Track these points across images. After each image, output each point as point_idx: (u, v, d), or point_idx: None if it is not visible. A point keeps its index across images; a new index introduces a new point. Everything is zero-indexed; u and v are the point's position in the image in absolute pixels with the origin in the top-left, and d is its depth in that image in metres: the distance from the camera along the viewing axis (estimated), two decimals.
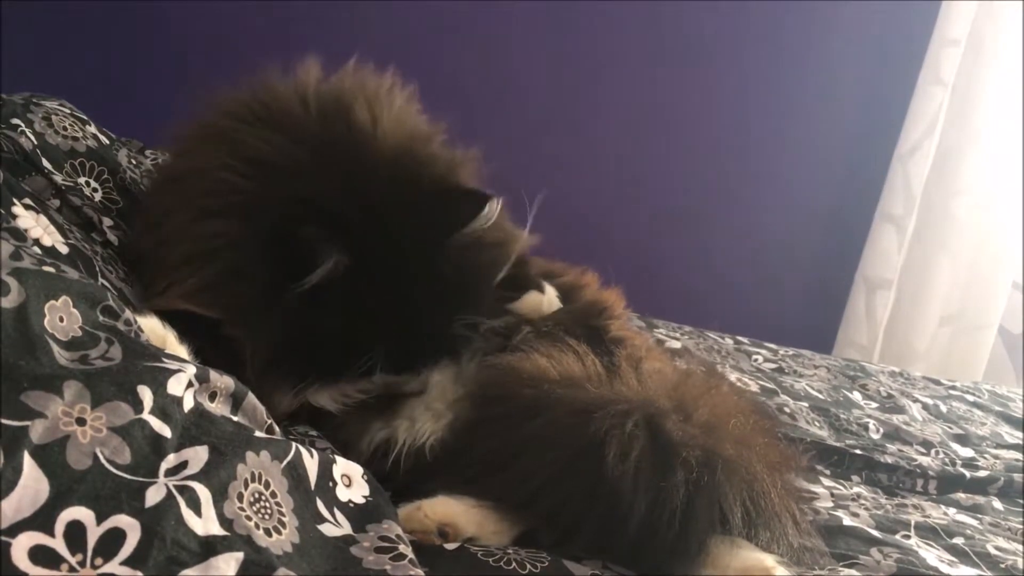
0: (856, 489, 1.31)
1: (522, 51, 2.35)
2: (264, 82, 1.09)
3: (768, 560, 0.85)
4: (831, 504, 1.20)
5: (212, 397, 0.71)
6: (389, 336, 0.97)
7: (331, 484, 0.75)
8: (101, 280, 0.91)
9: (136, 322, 0.76)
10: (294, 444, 0.73)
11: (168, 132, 1.14)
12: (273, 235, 0.91)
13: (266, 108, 1.04)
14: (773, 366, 1.87)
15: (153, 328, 0.81)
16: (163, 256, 0.97)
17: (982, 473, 1.44)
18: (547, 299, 1.16)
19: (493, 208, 1.01)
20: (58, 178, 1.08)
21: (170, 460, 0.63)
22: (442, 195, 1.01)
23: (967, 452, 1.55)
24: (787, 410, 1.55)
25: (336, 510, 0.74)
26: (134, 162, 1.29)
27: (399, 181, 1.00)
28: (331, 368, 0.98)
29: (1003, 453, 1.58)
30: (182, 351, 0.82)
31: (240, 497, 0.64)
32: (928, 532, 1.16)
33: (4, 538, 0.53)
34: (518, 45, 2.35)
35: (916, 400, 1.81)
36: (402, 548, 0.73)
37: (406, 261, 0.98)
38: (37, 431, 0.58)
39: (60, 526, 0.55)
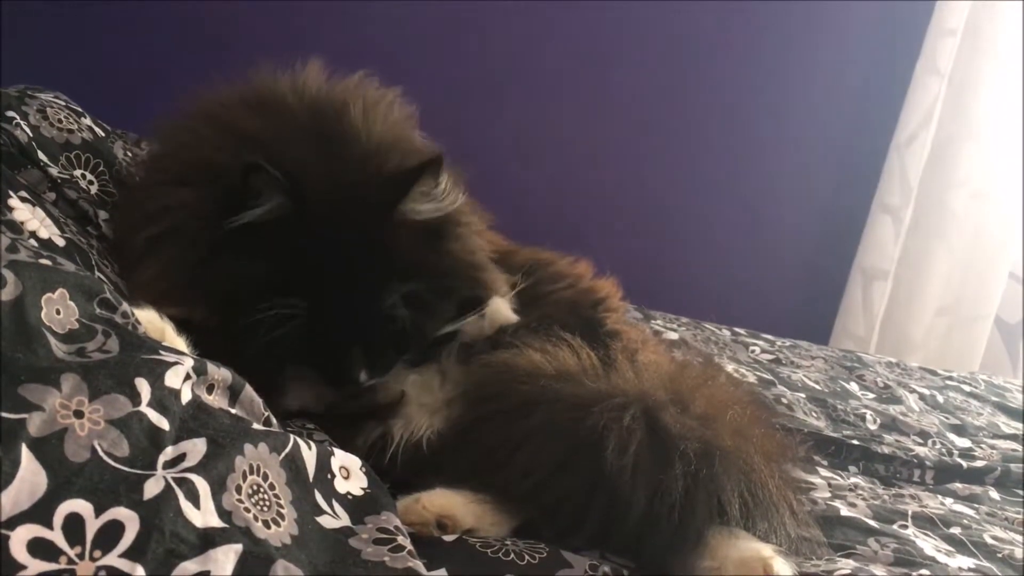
0: (853, 479, 1.31)
1: (523, 48, 2.35)
2: (261, 76, 1.09)
3: (766, 551, 0.85)
4: (828, 494, 1.21)
5: (210, 389, 0.71)
6: (315, 292, 0.93)
7: (329, 476, 0.75)
8: (97, 273, 0.91)
9: (133, 314, 0.75)
10: (292, 436, 0.73)
11: (155, 122, 1.14)
12: (226, 188, 0.92)
13: (257, 96, 1.04)
14: (770, 357, 1.88)
15: (151, 320, 0.81)
16: (131, 241, 0.97)
17: (979, 463, 1.44)
18: (488, 321, 1.11)
19: (440, 175, 0.99)
20: (54, 171, 1.08)
21: (168, 452, 0.63)
22: (398, 172, 1.00)
23: (964, 442, 1.55)
24: (784, 401, 1.55)
25: (334, 502, 0.74)
26: (130, 154, 1.29)
27: (368, 168, 0.99)
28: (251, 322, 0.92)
29: (1000, 443, 1.58)
30: (180, 343, 0.82)
31: (239, 489, 0.64)
32: (925, 522, 1.16)
33: (3, 531, 0.53)
34: (519, 43, 2.34)
35: (913, 391, 1.81)
36: (400, 539, 0.73)
37: (351, 223, 0.95)
38: (35, 424, 0.58)
39: (58, 519, 0.55)
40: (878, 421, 1.56)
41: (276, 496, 0.67)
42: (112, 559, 0.55)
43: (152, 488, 0.59)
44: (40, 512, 0.55)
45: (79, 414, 0.60)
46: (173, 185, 0.97)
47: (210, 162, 0.96)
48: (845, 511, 1.12)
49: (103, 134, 1.24)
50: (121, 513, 0.57)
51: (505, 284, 1.13)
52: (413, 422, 1.01)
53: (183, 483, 0.61)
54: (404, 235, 0.99)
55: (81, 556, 0.54)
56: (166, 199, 0.96)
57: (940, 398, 1.81)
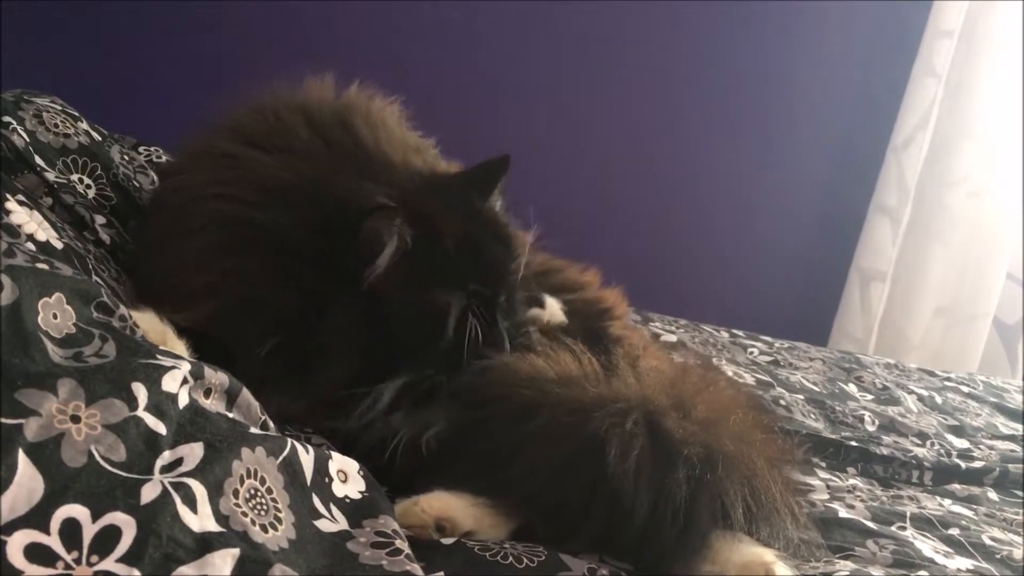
0: (852, 481, 1.31)
1: (522, 49, 2.35)
2: (268, 99, 1.10)
3: (768, 555, 0.86)
4: (827, 496, 1.20)
5: (207, 393, 0.71)
6: (470, 289, 0.98)
7: (327, 480, 0.75)
8: (94, 278, 0.91)
9: (131, 318, 0.75)
10: (289, 440, 0.73)
11: (176, 148, 1.15)
12: (318, 247, 0.92)
13: (269, 128, 1.05)
14: (768, 359, 1.87)
15: (151, 323, 0.81)
16: (175, 284, 0.96)
17: (977, 464, 1.44)
18: (548, 312, 1.17)
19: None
20: (51, 175, 1.08)
21: (165, 457, 0.62)
22: (469, 168, 1.09)
23: (962, 443, 1.55)
24: (783, 403, 1.55)
25: (332, 506, 0.74)
26: (127, 158, 1.29)
27: (416, 170, 1.05)
28: (427, 351, 0.97)
29: (998, 444, 1.58)
30: (180, 346, 0.82)
31: (236, 493, 0.64)
32: (924, 523, 1.16)
33: (0, 536, 0.53)
34: (519, 44, 2.35)
35: (911, 392, 1.81)
36: (399, 543, 0.73)
37: (460, 217, 1.00)
38: (31, 429, 0.57)
39: (55, 524, 0.55)
40: (876, 422, 1.56)
41: (273, 500, 0.67)
42: (109, 564, 0.55)
43: (149, 493, 0.59)
44: (37, 517, 0.55)
45: (76, 419, 0.60)
46: (220, 250, 0.95)
47: (247, 222, 0.95)
48: (843, 512, 1.12)
49: (100, 138, 1.24)
50: (118, 518, 0.57)
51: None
52: (417, 420, 1.01)
53: (180, 487, 0.61)
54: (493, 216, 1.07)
55: (78, 561, 0.54)
56: (217, 263, 0.95)
57: (938, 399, 1.81)
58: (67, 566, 0.54)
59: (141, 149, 1.42)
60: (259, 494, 0.66)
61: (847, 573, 0.94)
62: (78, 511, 0.56)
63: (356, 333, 0.94)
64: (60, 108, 1.22)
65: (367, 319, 0.94)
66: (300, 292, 0.92)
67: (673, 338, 1.84)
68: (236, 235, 0.95)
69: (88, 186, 1.14)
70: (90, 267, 0.93)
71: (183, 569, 0.57)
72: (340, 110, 1.09)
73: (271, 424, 0.79)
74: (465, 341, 0.97)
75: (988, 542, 1.12)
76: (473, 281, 0.98)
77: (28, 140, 1.09)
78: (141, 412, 0.63)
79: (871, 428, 1.53)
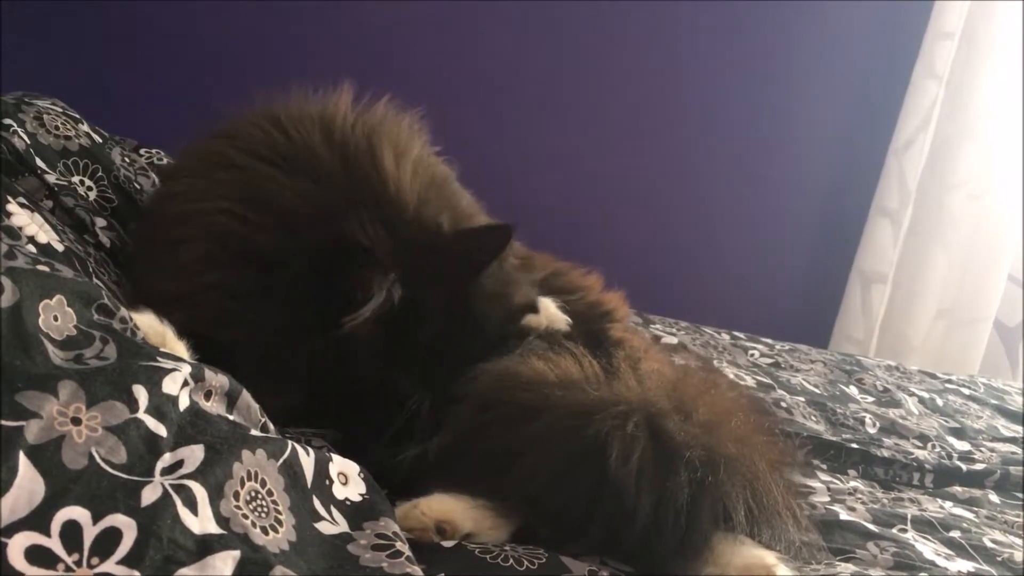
0: (853, 483, 1.31)
1: (521, 50, 2.35)
2: (283, 108, 1.07)
3: (769, 558, 0.85)
4: (828, 498, 1.20)
5: (208, 396, 0.71)
6: (433, 378, 0.98)
7: (327, 482, 0.75)
8: (95, 281, 0.91)
9: (131, 320, 0.75)
10: (290, 442, 0.73)
11: (181, 149, 1.12)
12: (309, 277, 0.91)
13: (283, 142, 1.02)
14: (769, 361, 1.87)
15: (151, 324, 0.81)
16: (160, 287, 0.95)
17: (978, 466, 1.44)
18: (544, 317, 1.16)
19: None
20: (51, 178, 1.08)
21: (166, 459, 0.62)
22: (470, 232, 1.04)
23: (963, 445, 1.55)
24: (784, 405, 1.55)
25: (333, 508, 0.74)
26: (128, 160, 1.29)
27: (426, 222, 1.00)
28: (373, 417, 0.96)
29: (999, 446, 1.58)
30: (180, 347, 0.82)
31: (236, 496, 0.64)
32: (924, 526, 1.16)
33: (1, 538, 0.53)
34: (517, 44, 2.35)
35: (912, 394, 1.81)
36: (399, 545, 0.73)
37: (445, 298, 0.98)
38: (32, 431, 0.57)
39: (56, 526, 0.55)
40: (877, 424, 1.56)
41: (274, 502, 0.67)
42: (110, 566, 0.55)
43: (150, 495, 0.59)
44: (38, 519, 0.55)
45: (76, 421, 0.60)
46: (213, 263, 0.95)
47: (247, 238, 0.94)
48: (844, 515, 1.12)
49: (101, 140, 1.24)
50: (119, 520, 0.57)
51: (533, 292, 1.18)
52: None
53: (181, 490, 0.61)
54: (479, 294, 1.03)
55: (79, 563, 0.54)
56: (207, 276, 0.94)
57: (939, 401, 1.81)
58: (68, 568, 0.54)
59: (142, 151, 1.42)
60: (260, 496, 0.66)
61: (848, 575, 0.94)
62: (79, 513, 0.56)
63: (312, 370, 0.94)
64: (61, 110, 1.23)
65: (327, 362, 0.93)
66: (275, 315, 0.92)
67: (674, 340, 1.84)
68: (226, 250, 0.95)
69: (89, 188, 1.14)
70: (91, 269, 0.93)
71: (184, 571, 0.57)
72: (367, 131, 1.05)
73: (271, 426, 0.79)
74: (404, 427, 0.97)
75: (989, 544, 1.12)
76: (432, 385, 0.98)
77: (29, 142, 1.10)
78: (142, 414, 0.63)
79: (872, 430, 1.53)
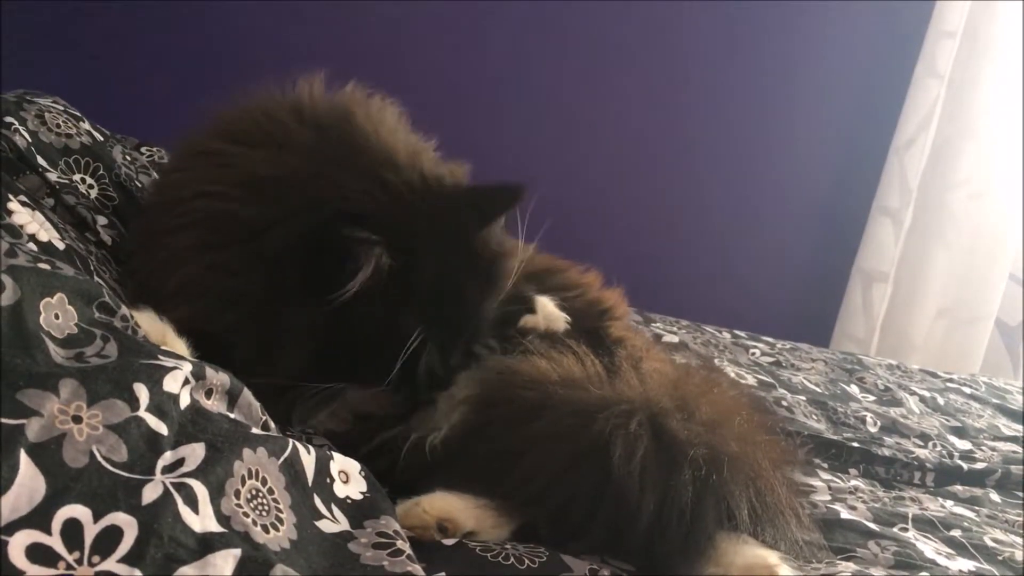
0: (854, 482, 1.31)
1: (522, 49, 2.35)
2: (257, 99, 1.06)
3: (771, 557, 0.85)
4: (829, 497, 1.20)
5: (208, 394, 0.71)
6: (436, 318, 0.95)
7: (328, 480, 0.75)
8: (96, 278, 0.91)
9: (132, 318, 0.75)
10: (291, 441, 0.73)
11: (170, 146, 1.12)
12: (296, 248, 0.90)
13: (257, 125, 1.01)
14: (770, 360, 1.87)
15: (152, 322, 0.81)
16: (159, 282, 0.95)
17: (979, 465, 1.44)
18: (542, 317, 1.15)
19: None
20: (53, 176, 1.08)
21: (167, 457, 0.62)
22: (483, 186, 1.01)
23: (964, 444, 1.55)
24: (784, 403, 1.55)
25: (333, 506, 0.74)
26: (128, 158, 1.29)
27: (420, 175, 0.98)
28: (375, 370, 0.94)
29: (1000, 445, 1.58)
30: (180, 345, 0.82)
31: (237, 494, 0.64)
32: (925, 525, 1.16)
33: (2, 536, 0.53)
34: (518, 43, 2.35)
35: (913, 393, 1.81)
36: (400, 544, 0.73)
37: (445, 248, 0.96)
38: (33, 429, 0.57)
39: (57, 524, 0.55)
40: (878, 423, 1.56)
41: (275, 500, 0.67)
42: (111, 564, 0.55)
43: (150, 493, 0.59)
44: (39, 517, 0.55)
45: (77, 419, 0.60)
46: (202, 246, 0.94)
47: (229, 216, 0.93)
48: (845, 514, 1.12)
49: (102, 139, 1.24)
50: (119, 518, 0.57)
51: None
52: (427, 423, 1.01)
53: (182, 488, 0.61)
54: (483, 246, 1.01)
55: (80, 561, 0.54)
56: (196, 260, 0.93)
57: (940, 400, 1.81)
58: (69, 566, 0.54)
59: (144, 149, 1.42)
60: (260, 495, 0.66)
61: (849, 574, 0.94)
62: (80, 511, 0.56)
63: (311, 334, 0.92)
64: (62, 108, 1.22)
65: (325, 324, 0.92)
66: (266, 283, 0.91)
67: (675, 339, 1.84)
68: (214, 231, 0.93)
69: (90, 186, 1.14)
70: (92, 268, 0.93)
71: (184, 569, 0.57)
72: (337, 105, 1.04)
73: (272, 424, 0.79)
74: (412, 372, 0.95)
75: (990, 543, 1.12)
76: (436, 323, 0.95)
77: (30, 140, 1.09)
78: (143, 412, 0.63)
79: (873, 429, 1.53)
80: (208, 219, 0.94)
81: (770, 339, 2.02)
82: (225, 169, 0.97)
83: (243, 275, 0.91)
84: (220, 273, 0.92)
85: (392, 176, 0.96)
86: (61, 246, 0.89)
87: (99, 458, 0.59)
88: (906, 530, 1.12)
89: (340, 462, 0.78)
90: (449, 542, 0.85)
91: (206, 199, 0.95)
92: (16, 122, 1.10)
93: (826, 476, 1.31)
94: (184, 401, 0.67)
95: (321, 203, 0.91)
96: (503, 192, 1.00)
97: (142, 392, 0.64)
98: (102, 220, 1.09)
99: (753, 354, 1.89)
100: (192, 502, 0.60)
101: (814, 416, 1.53)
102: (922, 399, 1.79)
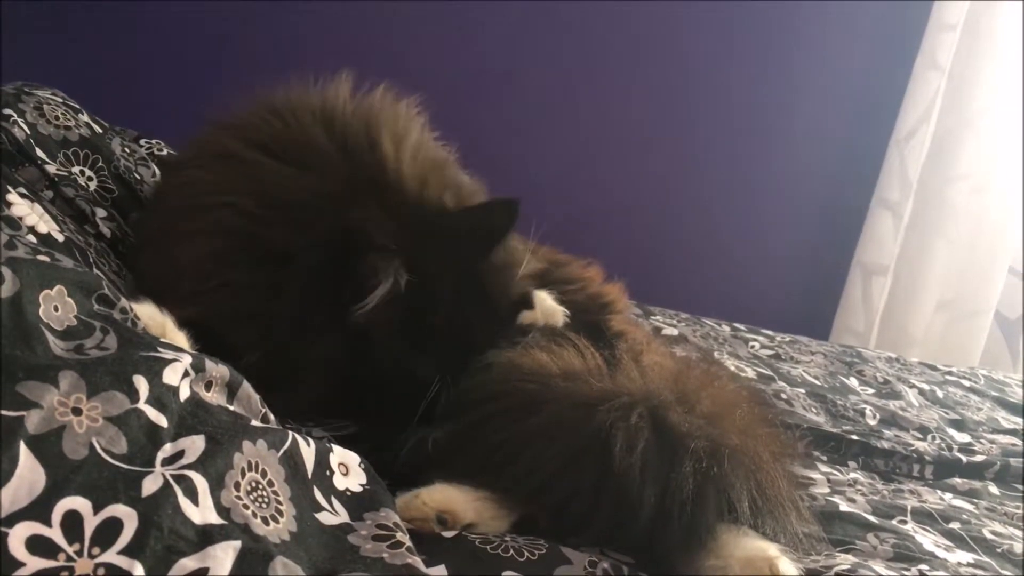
0: (853, 475, 1.31)
1: (524, 47, 2.35)
2: (281, 99, 1.07)
3: (772, 550, 0.85)
4: (828, 490, 1.20)
5: (208, 386, 0.71)
6: (450, 361, 0.98)
7: (328, 472, 0.75)
8: (95, 271, 0.91)
9: (132, 310, 0.75)
10: (291, 433, 0.73)
11: (189, 139, 1.12)
12: (319, 270, 0.92)
13: (284, 132, 1.02)
14: (770, 353, 1.87)
15: (152, 315, 0.81)
16: (170, 282, 0.95)
17: (978, 458, 1.44)
18: (540, 313, 1.16)
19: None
20: (52, 168, 1.07)
21: (167, 449, 0.62)
22: (477, 208, 1.04)
23: (963, 437, 1.55)
24: (784, 396, 1.55)
25: (333, 498, 0.74)
26: (128, 151, 1.29)
27: (429, 203, 1.01)
28: (395, 406, 0.97)
29: (999, 438, 1.58)
30: (180, 337, 0.82)
31: (237, 486, 0.64)
32: (924, 517, 1.16)
33: (2, 528, 0.53)
34: (520, 41, 2.34)
35: (912, 386, 1.81)
36: (399, 536, 0.73)
37: (456, 279, 0.99)
38: (33, 421, 0.57)
39: (57, 516, 0.55)
40: (878, 416, 1.56)
41: (275, 493, 0.67)
42: (111, 556, 0.55)
43: (150, 485, 0.59)
44: (39, 509, 0.55)
45: (77, 411, 0.60)
46: (221, 259, 0.95)
47: (254, 234, 0.95)
48: (844, 506, 1.12)
49: (101, 131, 1.24)
50: (119, 510, 0.57)
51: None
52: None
53: (182, 480, 0.61)
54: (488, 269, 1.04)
55: (80, 553, 0.54)
56: (219, 272, 0.95)
57: (940, 393, 1.81)
58: (69, 558, 0.54)
59: (143, 142, 1.42)
60: (260, 487, 0.66)
61: (847, 567, 0.94)
62: (79, 503, 0.56)
63: (330, 365, 0.95)
64: (61, 100, 1.22)
65: (345, 353, 0.94)
66: (288, 311, 0.93)
67: (674, 332, 1.84)
68: (235, 247, 0.95)
69: (89, 179, 1.14)
70: (91, 260, 0.93)
71: (184, 561, 0.57)
72: (366, 119, 1.06)
73: (272, 417, 0.79)
74: (428, 415, 0.98)
75: (989, 536, 1.12)
76: (450, 367, 0.99)
77: (29, 132, 1.09)
78: (142, 405, 0.63)
79: (872, 422, 1.53)
80: (232, 233, 0.95)
81: (769, 332, 2.02)
82: (252, 182, 0.98)
83: (259, 298, 0.93)
84: (234, 291, 0.93)
85: (407, 211, 0.98)
86: (60, 238, 0.89)
87: (99, 450, 0.59)
88: (905, 522, 1.12)
89: (340, 454, 0.78)
90: (449, 534, 0.85)
91: (231, 211, 0.96)
92: (15, 114, 1.10)
93: (825, 469, 1.31)
94: (184, 393, 0.67)
95: (342, 228, 0.93)
96: (498, 210, 1.03)
97: (142, 384, 0.64)
98: (101, 212, 1.09)
99: (752, 347, 1.89)
100: (192, 494, 0.60)
101: (813, 409, 1.54)
102: (921, 392, 1.79)
